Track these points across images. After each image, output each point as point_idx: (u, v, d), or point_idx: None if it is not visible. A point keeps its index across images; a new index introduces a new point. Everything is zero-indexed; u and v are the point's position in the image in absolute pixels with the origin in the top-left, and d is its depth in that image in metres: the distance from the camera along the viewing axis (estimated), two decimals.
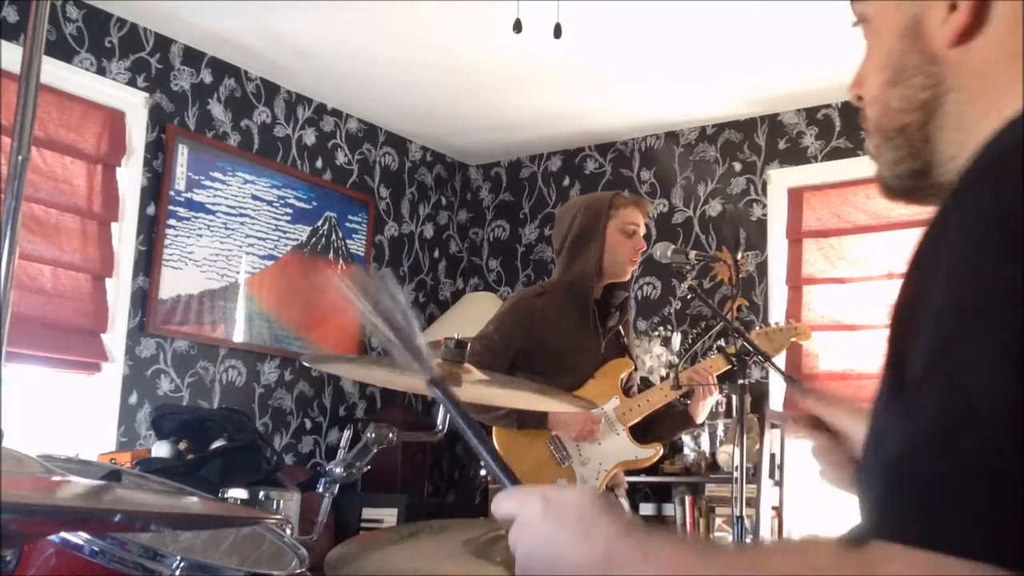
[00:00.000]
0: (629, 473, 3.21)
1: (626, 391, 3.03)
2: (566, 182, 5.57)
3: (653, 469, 3.55)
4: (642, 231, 3.03)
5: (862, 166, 4.06)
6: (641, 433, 3.02)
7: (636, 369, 3.12)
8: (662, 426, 3.08)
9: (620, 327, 3.05)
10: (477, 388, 1.62)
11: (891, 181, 0.80)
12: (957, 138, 0.72)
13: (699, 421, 3.05)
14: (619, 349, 3.05)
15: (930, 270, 0.60)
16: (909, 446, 0.56)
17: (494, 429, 2.90)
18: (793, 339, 3.12)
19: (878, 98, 0.77)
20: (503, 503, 0.78)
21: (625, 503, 3.07)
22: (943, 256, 0.59)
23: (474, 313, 4.95)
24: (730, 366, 2.81)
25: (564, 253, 3.04)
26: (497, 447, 2.86)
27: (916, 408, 0.57)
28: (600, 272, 2.97)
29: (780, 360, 4.09)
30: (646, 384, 4.12)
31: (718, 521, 4.35)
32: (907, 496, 0.55)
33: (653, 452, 3.02)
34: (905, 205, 0.83)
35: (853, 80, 0.83)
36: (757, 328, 3.18)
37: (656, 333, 4.90)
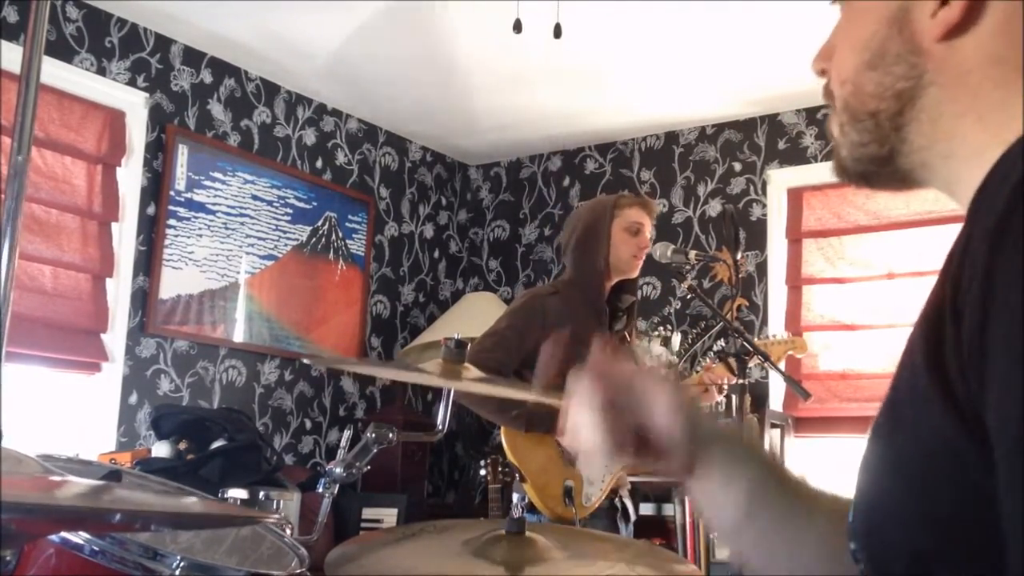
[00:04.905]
0: (629, 473, 3.21)
1: None
2: (566, 182, 5.57)
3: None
4: (647, 230, 3.02)
5: None
6: None
7: None
8: None
9: (626, 332, 3.05)
10: (475, 385, 1.62)
11: (849, 163, 0.79)
12: (930, 132, 0.72)
13: None
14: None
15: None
16: None
17: (503, 428, 2.90)
18: (790, 352, 3.13)
19: (851, 79, 0.76)
20: None
21: (629, 503, 3.07)
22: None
23: (474, 313, 4.95)
24: (733, 375, 2.82)
25: (570, 253, 3.04)
26: (506, 445, 2.88)
27: None
28: (608, 270, 2.97)
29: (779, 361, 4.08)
30: None
31: None
32: None
33: None
34: (855, 188, 0.81)
35: (819, 52, 0.81)
36: (756, 340, 3.19)
37: (656, 333, 4.90)
